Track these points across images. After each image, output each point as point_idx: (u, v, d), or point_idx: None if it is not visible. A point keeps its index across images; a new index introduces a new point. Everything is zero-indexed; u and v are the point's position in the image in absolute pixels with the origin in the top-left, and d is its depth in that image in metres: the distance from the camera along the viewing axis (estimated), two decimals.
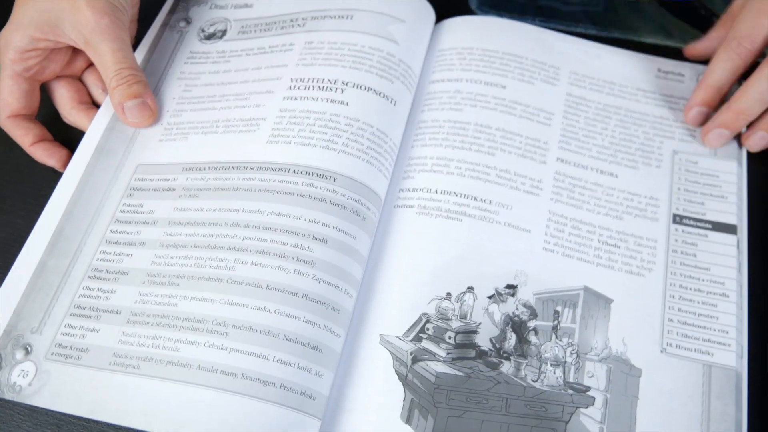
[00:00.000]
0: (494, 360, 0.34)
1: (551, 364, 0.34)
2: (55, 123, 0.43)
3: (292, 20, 0.44)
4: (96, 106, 0.43)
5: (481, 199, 0.38)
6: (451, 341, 0.34)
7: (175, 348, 0.32)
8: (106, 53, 0.39)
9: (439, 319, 0.35)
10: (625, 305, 0.36)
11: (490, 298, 0.35)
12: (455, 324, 0.35)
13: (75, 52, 0.42)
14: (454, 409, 0.32)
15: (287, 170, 0.36)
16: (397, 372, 0.33)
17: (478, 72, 0.43)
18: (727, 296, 0.36)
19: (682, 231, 0.38)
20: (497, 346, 0.35)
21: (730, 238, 0.37)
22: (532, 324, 0.35)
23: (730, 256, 0.37)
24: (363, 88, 0.39)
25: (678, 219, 0.38)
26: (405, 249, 0.37)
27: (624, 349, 0.34)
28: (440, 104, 0.42)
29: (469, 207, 0.38)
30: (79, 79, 0.44)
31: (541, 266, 0.37)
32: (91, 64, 0.43)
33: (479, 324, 0.35)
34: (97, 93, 0.43)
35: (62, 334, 0.34)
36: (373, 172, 0.37)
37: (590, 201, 0.39)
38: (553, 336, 0.35)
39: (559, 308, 0.36)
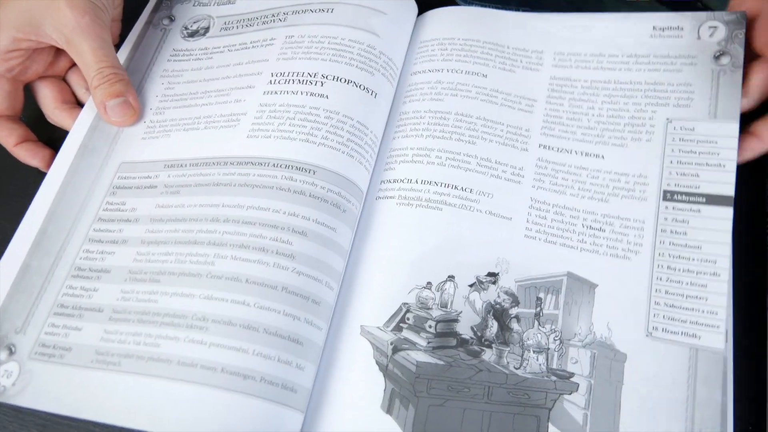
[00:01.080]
0: (476, 348, 0.34)
1: (534, 351, 0.34)
2: (39, 123, 0.43)
3: (273, 15, 0.44)
4: (80, 105, 0.43)
5: (462, 188, 0.38)
6: (432, 330, 0.34)
7: (156, 344, 0.32)
8: (87, 52, 0.39)
9: (420, 308, 0.34)
10: (610, 290, 0.35)
11: (471, 286, 0.35)
12: (435, 313, 0.34)
13: (58, 52, 0.42)
14: (435, 398, 0.32)
15: (267, 164, 0.36)
16: (377, 362, 0.33)
17: (459, 62, 0.42)
18: (718, 275, 0.34)
19: (673, 208, 0.36)
20: (479, 334, 0.34)
21: (725, 212, 0.35)
22: (514, 311, 0.35)
23: (724, 232, 0.35)
24: (343, 80, 0.39)
25: (669, 195, 0.36)
26: (385, 240, 0.37)
27: (608, 334, 0.34)
28: (421, 95, 0.41)
29: (450, 196, 0.37)
30: (63, 79, 0.44)
31: (523, 254, 0.36)
32: (74, 64, 0.43)
33: (460, 312, 0.35)
34: (80, 93, 0.43)
35: (45, 333, 0.34)
36: (353, 164, 0.37)
37: (574, 186, 0.38)
38: (536, 323, 0.34)
39: (541, 295, 0.35)
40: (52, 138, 0.42)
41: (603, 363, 0.33)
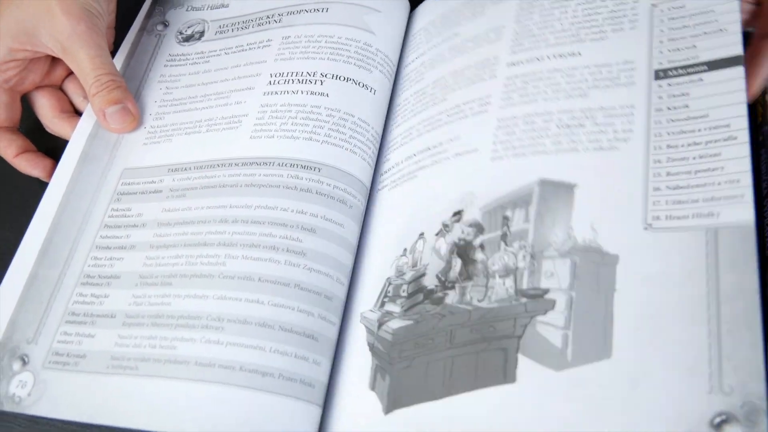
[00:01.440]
0: (439, 294, 0.31)
1: (500, 276, 0.30)
2: (37, 133, 0.43)
3: (268, 17, 0.44)
4: (78, 114, 0.43)
5: (432, 147, 0.37)
6: (405, 294, 0.32)
7: (172, 346, 0.32)
8: (84, 60, 0.39)
9: (397, 277, 0.33)
10: (593, 187, 0.30)
11: (437, 234, 0.33)
12: (408, 275, 0.33)
13: (54, 61, 0.42)
14: (404, 360, 0.30)
15: (272, 164, 0.36)
16: (368, 344, 0.33)
17: (438, 37, 0.42)
18: (735, 138, 0.28)
19: (668, 85, 0.31)
20: (442, 278, 0.31)
21: (734, 72, 0.30)
22: (477, 241, 0.31)
23: (735, 92, 0.29)
24: (342, 78, 0.40)
25: (661, 74, 0.32)
26: (376, 229, 0.37)
27: (593, 236, 0.28)
28: (409, 83, 0.42)
29: (423, 160, 0.37)
30: (60, 89, 0.44)
31: (489, 179, 0.33)
32: (71, 73, 0.43)
33: (427, 265, 0.32)
34: (78, 101, 0.43)
35: (58, 342, 0.34)
36: (356, 160, 0.38)
37: (546, 90, 0.34)
38: (502, 245, 0.30)
39: (509, 212, 0.31)
40: (50, 147, 0.43)
41: (587, 270, 0.28)
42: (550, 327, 0.27)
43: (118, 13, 0.44)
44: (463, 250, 0.31)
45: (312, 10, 0.43)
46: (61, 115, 0.42)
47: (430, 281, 0.32)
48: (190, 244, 0.35)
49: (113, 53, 0.45)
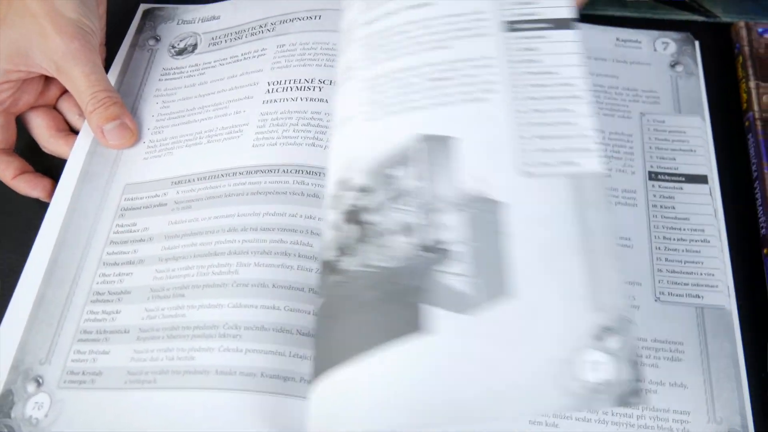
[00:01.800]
0: (334, 264, 0.30)
1: (398, 235, 0.30)
2: (34, 154, 0.43)
3: (261, 26, 0.45)
4: (74, 132, 0.43)
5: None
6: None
7: (190, 357, 0.32)
8: (80, 77, 0.39)
9: None
10: (471, 138, 0.31)
11: (331, 209, 0.32)
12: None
13: (47, 80, 0.42)
14: (320, 337, 0.29)
15: (276, 171, 0.37)
16: None
17: None
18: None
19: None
20: (340, 247, 0.31)
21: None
22: (366, 202, 0.31)
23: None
24: None
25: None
26: None
27: (481, 186, 0.30)
28: None
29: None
30: (55, 108, 0.44)
31: (368, 142, 0.32)
32: (64, 92, 0.43)
33: (330, 241, 0.31)
34: (73, 119, 0.43)
35: (72, 360, 0.34)
36: None
37: (406, 44, 0.33)
38: (394, 203, 0.30)
39: (393, 171, 0.31)
40: (49, 167, 0.42)
41: (481, 220, 0.29)
42: (456, 276, 0.28)
43: (108, 29, 0.45)
44: (355, 215, 0.31)
45: (305, 18, 0.44)
46: (58, 134, 0.42)
47: (329, 254, 0.31)
48: (200, 255, 0.35)
49: (105, 70, 0.45)
